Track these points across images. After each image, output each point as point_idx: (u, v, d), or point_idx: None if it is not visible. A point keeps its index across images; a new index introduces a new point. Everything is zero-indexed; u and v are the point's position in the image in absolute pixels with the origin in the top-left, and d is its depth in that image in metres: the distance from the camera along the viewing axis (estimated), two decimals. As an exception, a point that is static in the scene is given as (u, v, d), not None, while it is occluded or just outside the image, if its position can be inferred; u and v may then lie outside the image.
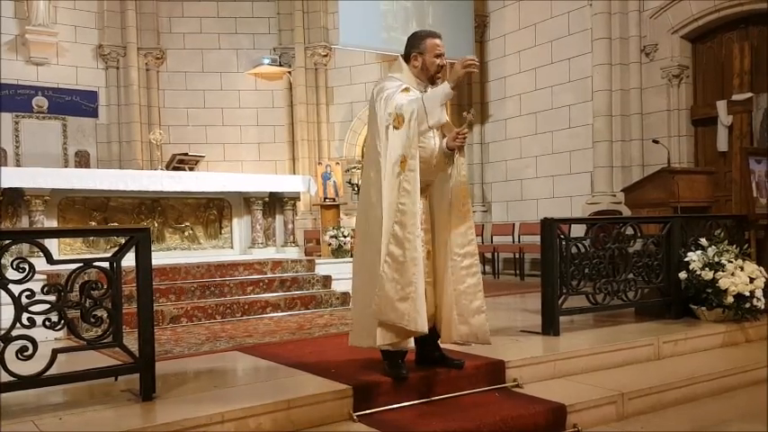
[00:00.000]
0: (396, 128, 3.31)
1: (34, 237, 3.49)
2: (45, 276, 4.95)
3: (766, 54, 7.67)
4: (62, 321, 3.04)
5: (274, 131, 12.60)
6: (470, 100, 10.99)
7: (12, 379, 2.87)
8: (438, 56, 3.50)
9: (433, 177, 3.55)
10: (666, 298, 5.23)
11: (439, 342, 3.63)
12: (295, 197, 7.97)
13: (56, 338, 3.95)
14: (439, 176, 3.56)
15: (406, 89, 3.44)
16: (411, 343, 3.39)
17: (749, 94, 7.48)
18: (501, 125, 10.79)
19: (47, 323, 2.99)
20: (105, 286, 3.13)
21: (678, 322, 5.06)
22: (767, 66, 7.64)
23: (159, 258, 6.44)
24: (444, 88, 3.36)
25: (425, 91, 3.51)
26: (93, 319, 3.10)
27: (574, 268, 4.75)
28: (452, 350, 3.70)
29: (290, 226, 7.90)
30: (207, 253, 7.31)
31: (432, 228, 3.58)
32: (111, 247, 6.26)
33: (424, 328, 3.26)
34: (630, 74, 8.85)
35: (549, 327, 4.59)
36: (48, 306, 2.99)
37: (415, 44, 3.54)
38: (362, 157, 3.63)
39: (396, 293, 3.22)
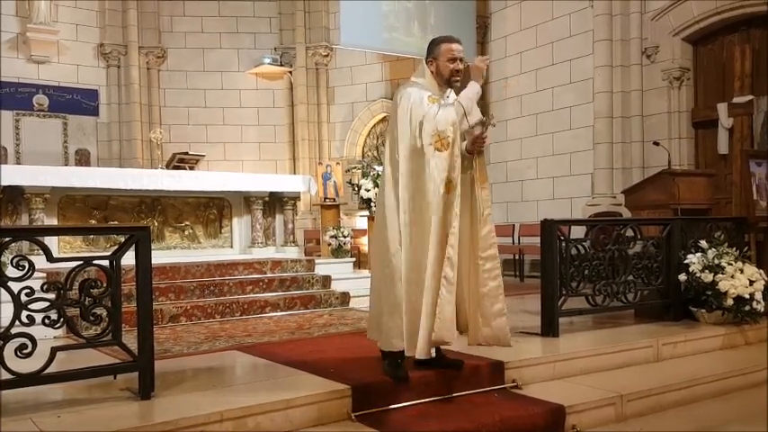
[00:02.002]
0: (438, 150, 3.35)
1: (34, 234, 3.49)
2: (45, 274, 4.96)
3: (767, 57, 7.66)
4: (61, 319, 3.04)
5: (275, 131, 12.59)
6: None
7: (11, 377, 2.87)
8: (452, 60, 3.51)
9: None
10: (666, 300, 5.23)
11: (466, 343, 3.64)
12: (295, 197, 7.98)
13: (55, 336, 3.95)
14: (462, 179, 3.54)
15: (430, 97, 3.45)
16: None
17: (750, 97, 7.49)
18: (502, 126, 10.76)
19: (46, 321, 2.99)
20: (105, 285, 3.13)
21: (677, 324, 5.06)
22: (768, 68, 7.65)
23: (159, 257, 6.43)
24: (475, 87, 3.51)
25: (446, 96, 3.56)
26: (92, 318, 3.11)
27: (573, 270, 4.75)
28: (451, 351, 3.70)
29: (289, 226, 7.90)
30: (207, 252, 7.31)
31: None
32: (110, 246, 6.26)
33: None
34: (631, 76, 8.85)
35: (549, 328, 4.59)
36: (47, 304, 2.99)
37: (431, 49, 3.59)
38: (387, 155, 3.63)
39: (451, 314, 3.33)
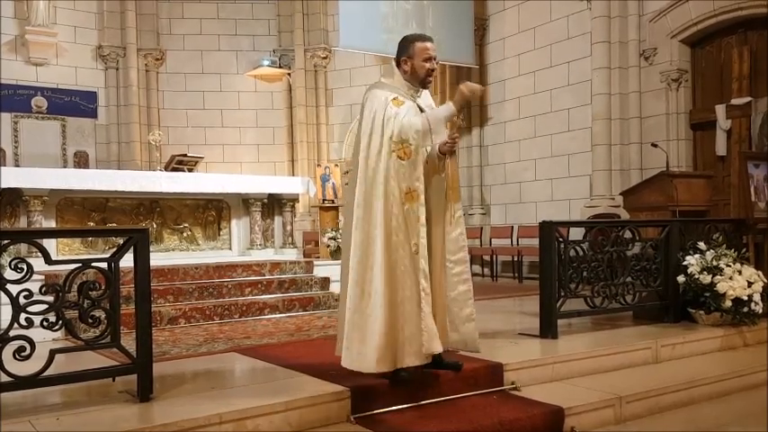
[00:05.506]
0: (401, 158, 3.28)
1: (32, 237, 3.49)
2: (43, 276, 4.94)
3: (765, 59, 7.68)
4: (60, 322, 3.04)
5: (273, 133, 12.60)
6: (469, 103, 11.00)
7: (9, 379, 2.87)
8: (427, 59, 3.44)
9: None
10: (664, 302, 5.23)
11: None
12: (294, 198, 7.98)
13: (53, 339, 3.94)
14: (435, 180, 3.50)
15: (396, 99, 3.38)
16: None
17: (748, 99, 7.50)
18: (500, 128, 10.80)
19: (45, 323, 2.98)
20: (103, 287, 3.13)
21: (676, 326, 5.06)
22: (766, 70, 7.65)
23: (157, 259, 6.43)
24: (449, 108, 3.38)
25: (417, 95, 3.48)
26: (91, 320, 3.10)
27: (572, 271, 4.75)
28: (451, 352, 3.69)
29: (288, 227, 7.91)
30: (205, 254, 7.31)
31: (428, 233, 3.49)
32: (109, 248, 6.26)
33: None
34: (629, 77, 8.86)
35: (548, 330, 4.60)
36: (46, 306, 2.99)
37: (404, 48, 3.49)
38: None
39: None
